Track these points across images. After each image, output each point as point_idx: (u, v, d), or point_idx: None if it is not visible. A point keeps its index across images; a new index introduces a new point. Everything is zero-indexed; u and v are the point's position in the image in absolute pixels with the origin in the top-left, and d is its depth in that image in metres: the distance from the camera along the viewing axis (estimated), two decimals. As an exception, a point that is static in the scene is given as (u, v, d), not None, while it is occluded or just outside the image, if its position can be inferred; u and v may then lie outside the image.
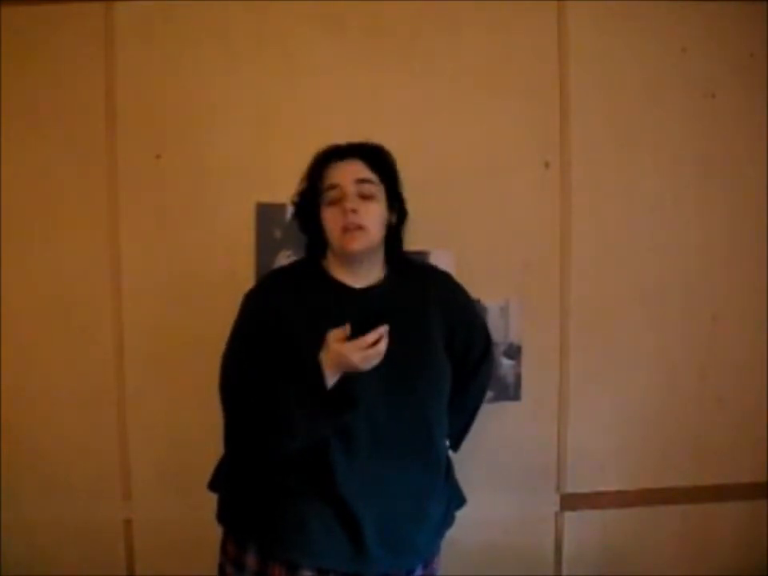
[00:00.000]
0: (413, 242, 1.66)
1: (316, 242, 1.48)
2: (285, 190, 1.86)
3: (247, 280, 1.83)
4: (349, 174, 1.38)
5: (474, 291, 1.70)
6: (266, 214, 1.91)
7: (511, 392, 1.99)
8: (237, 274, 1.86)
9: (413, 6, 1.91)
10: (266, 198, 1.90)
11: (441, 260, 1.86)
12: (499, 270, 1.97)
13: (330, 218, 1.40)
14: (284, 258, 1.89)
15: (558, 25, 1.95)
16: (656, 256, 2.01)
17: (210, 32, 1.89)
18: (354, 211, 1.37)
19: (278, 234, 1.91)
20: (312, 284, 1.45)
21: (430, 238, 1.87)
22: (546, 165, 1.97)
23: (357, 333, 1.29)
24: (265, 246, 1.91)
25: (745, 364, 2.05)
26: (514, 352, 1.99)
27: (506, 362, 1.98)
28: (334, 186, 1.39)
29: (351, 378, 1.32)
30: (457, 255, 1.92)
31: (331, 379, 1.31)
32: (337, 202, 1.39)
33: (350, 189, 1.38)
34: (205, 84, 1.90)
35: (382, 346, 1.29)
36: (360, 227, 1.38)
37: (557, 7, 1.95)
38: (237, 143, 1.90)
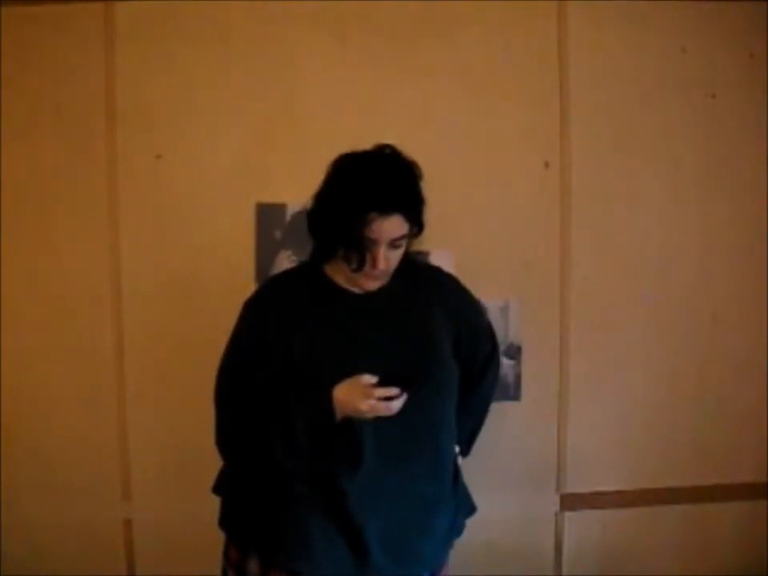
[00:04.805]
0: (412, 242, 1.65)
1: (324, 250, 1.41)
2: (285, 190, 1.88)
3: (247, 281, 1.83)
4: (388, 233, 1.31)
5: (474, 291, 1.69)
6: (266, 214, 1.91)
7: (511, 392, 1.99)
8: (237, 274, 1.86)
9: (413, 6, 1.91)
10: (266, 198, 1.90)
11: (441, 260, 1.86)
12: (499, 270, 1.97)
13: (355, 258, 1.35)
14: (284, 258, 1.89)
15: (558, 25, 1.95)
16: (656, 256, 2.01)
17: (209, 32, 1.89)
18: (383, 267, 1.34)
19: (278, 234, 1.91)
20: (313, 291, 1.42)
21: (430, 239, 1.85)
22: (546, 165, 1.97)
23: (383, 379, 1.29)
24: (265, 246, 1.91)
25: (745, 364, 2.06)
26: (514, 352, 1.99)
27: (506, 362, 1.98)
28: (370, 240, 1.31)
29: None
30: (457, 255, 1.92)
31: (339, 414, 1.30)
32: (366, 247, 1.33)
33: (384, 246, 1.33)
34: (205, 84, 1.90)
35: (396, 406, 1.28)
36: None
37: (557, 7, 1.95)
38: (237, 143, 1.90)
